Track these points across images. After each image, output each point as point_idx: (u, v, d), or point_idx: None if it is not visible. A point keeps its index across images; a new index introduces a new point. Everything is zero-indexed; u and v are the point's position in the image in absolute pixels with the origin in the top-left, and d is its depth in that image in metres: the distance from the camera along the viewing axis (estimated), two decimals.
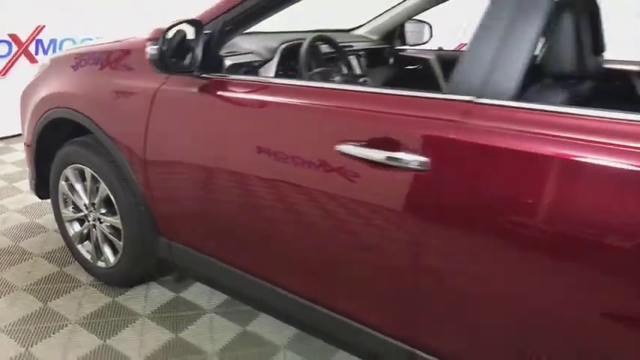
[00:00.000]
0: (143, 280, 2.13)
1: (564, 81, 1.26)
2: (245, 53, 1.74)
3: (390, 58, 2.66)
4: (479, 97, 1.08)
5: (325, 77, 1.79)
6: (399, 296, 1.26)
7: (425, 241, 1.15)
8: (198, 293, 2.12)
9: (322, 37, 1.94)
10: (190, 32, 1.48)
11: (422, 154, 1.10)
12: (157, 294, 2.11)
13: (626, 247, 0.92)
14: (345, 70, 2.12)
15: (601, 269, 0.95)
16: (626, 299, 0.94)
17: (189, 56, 1.48)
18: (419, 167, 1.11)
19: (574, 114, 1.01)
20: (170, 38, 1.41)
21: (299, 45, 1.79)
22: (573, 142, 0.96)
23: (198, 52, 1.46)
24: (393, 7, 2.63)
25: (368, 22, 2.75)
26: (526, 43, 1.06)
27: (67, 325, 1.89)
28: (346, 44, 2.22)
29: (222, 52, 1.64)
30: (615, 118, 0.96)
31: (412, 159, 1.11)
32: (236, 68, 1.65)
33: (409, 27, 2.69)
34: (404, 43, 2.74)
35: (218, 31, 1.49)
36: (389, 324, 1.31)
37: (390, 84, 2.55)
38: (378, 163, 1.16)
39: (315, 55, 1.89)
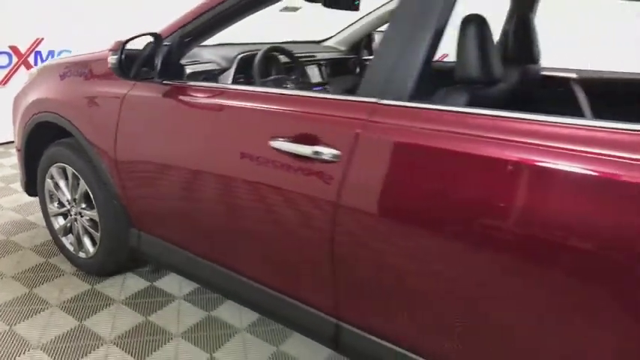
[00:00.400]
0: (120, 270, 2.33)
1: (471, 85, 1.43)
2: (206, 62, 1.94)
3: (357, 67, 2.86)
4: (382, 98, 1.27)
5: (279, 84, 1.98)
6: (325, 274, 1.43)
7: (341, 222, 1.33)
8: (170, 282, 2.31)
9: (276, 48, 2.14)
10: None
11: (335, 147, 1.29)
12: (132, 283, 2.30)
13: (521, 231, 1.07)
14: (301, 78, 2.31)
15: (493, 252, 1.11)
16: (551, 289, 1.05)
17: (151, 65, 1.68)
18: (333, 159, 1.29)
19: (459, 112, 1.19)
20: (130, 49, 1.62)
21: (254, 55, 1.99)
22: (456, 135, 1.15)
23: (158, 61, 1.67)
24: (359, 19, 2.83)
25: (337, 34, 2.95)
26: (420, 54, 1.24)
27: (48, 308, 2.08)
28: (307, 54, 2.42)
29: (184, 61, 1.85)
30: (493, 116, 1.14)
31: (328, 152, 1.30)
32: (196, 76, 1.85)
33: (376, 38, 2.89)
34: (371, 53, 2.94)
35: (177, 43, 1.70)
36: (317, 300, 1.49)
37: (352, 91, 2.74)
38: (301, 156, 1.35)
39: (274, 64, 2.08)
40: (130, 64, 1.70)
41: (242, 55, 2.03)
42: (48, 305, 2.10)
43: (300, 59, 2.32)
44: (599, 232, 0.96)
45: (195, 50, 1.95)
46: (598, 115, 1.97)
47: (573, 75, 2.25)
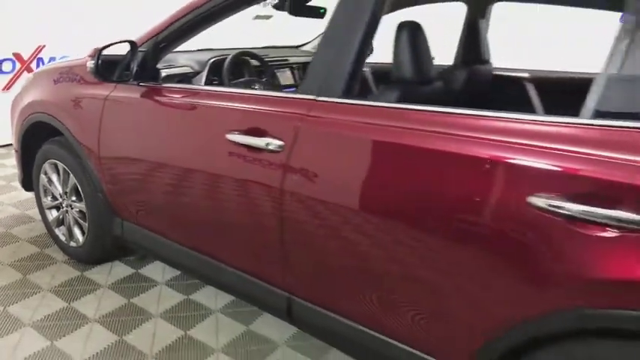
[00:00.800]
0: (107, 258, 2.52)
1: (404, 84, 1.61)
2: (181, 66, 2.14)
3: None
4: (319, 95, 1.45)
5: (247, 85, 2.17)
6: (277, 253, 1.61)
7: (287, 205, 1.51)
8: (154, 269, 2.51)
9: (246, 52, 2.34)
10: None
11: (280, 138, 1.47)
12: (119, 270, 2.49)
13: (431, 209, 1.24)
14: (271, 80, 2.50)
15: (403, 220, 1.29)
16: (461, 259, 1.21)
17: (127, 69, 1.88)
18: (278, 149, 1.47)
19: (385, 106, 1.37)
20: (107, 55, 1.81)
21: (225, 59, 2.19)
22: (380, 127, 1.33)
23: (134, 65, 1.86)
24: None
25: (314, 39, 3.14)
26: (350, 58, 1.42)
27: (40, 292, 2.28)
28: (280, 58, 2.60)
29: (161, 65, 2.04)
30: (413, 109, 1.31)
31: (274, 142, 1.48)
32: (172, 78, 2.04)
33: None
34: None
35: (152, 49, 1.89)
36: (271, 276, 1.67)
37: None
38: (252, 147, 1.53)
39: (246, 68, 2.28)
40: (113, 67, 1.90)
41: (213, 59, 2.23)
42: (40, 289, 2.30)
43: (272, 63, 2.51)
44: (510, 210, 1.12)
45: (172, 55, 2.15)
46: (550, 111, 2.13)
47: (525, 74, 2.42)
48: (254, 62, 2.42)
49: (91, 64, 1.81)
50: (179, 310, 2.19)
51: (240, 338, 2.01)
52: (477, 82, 2.18)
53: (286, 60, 2.63)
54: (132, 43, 1.86)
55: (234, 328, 2.08)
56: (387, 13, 2.74)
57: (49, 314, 2.12)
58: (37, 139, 2.49)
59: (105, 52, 1.82)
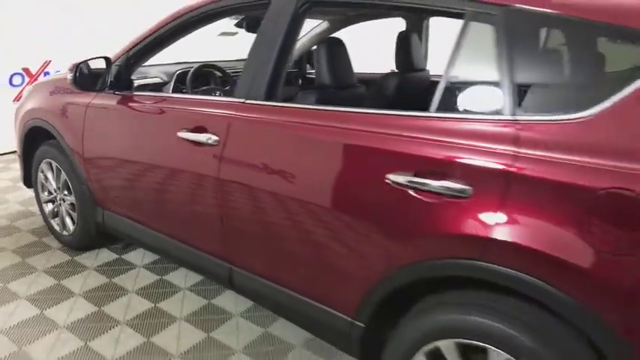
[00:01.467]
0: (94, 245, 2.88)
1: (323, 89, 1.94)
2: (153, 77, 2.50)
3: (298, 79, 3.39)
4: (247, 98, 1.79)
5: (208, 93, 2.52)
6: (219, 230, 1.94)
7: (223, 190, 1.84)
8: (135, 255, 2.86)
9: (207, 65, 2.69)
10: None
11: (216, 134, 1.81)
12: (105, 255, 2.85)
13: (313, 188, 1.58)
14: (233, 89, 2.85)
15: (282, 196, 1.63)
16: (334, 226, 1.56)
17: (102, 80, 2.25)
18: (215, 143, 1.81)
19: (294, 107, 1.71)
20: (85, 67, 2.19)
21: (189, 71, 2.54)
22: (291, 124, 1.66)
23: (109, 77, 2.23)
24: (298, 40, 3.37)
25: None
26: (270, 67, 1.76)
27: (35, 272, 2.64)
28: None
29: (135, 76, 2.41)
30: (314, 109, 1.65)
31: (213, 138, 1.82)
32: (143, 87, 2.40)
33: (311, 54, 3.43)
34: (312, 67, 3.46)
35: (124, 63, 2.26)
36: (216, 250, 2.00)
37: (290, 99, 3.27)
38: (196, 142, 1.88)
39: (212, 78, 2.63)
40: (96, 79, 2.27)
41: (180, 71, 2.58)
42: (35, 270, 2.67)
43: (236, 73, 2.86)
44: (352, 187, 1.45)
45: (147, 68, 2.52)
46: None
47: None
48: (219, 73, 2.78)
49: (70, 76, 2.19)
50: (154, 287, 2.54)
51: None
52: (410, 88, 2.49)
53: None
54: (107, 58, 2.22)
55: (197, 302, 2.41)
56: (339, 29, 3.11)
57: (41, 289, 2.48)
58: (35, 141, 2.88)
59: (83, 65, 2.19)
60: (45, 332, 2.15)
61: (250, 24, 2.40)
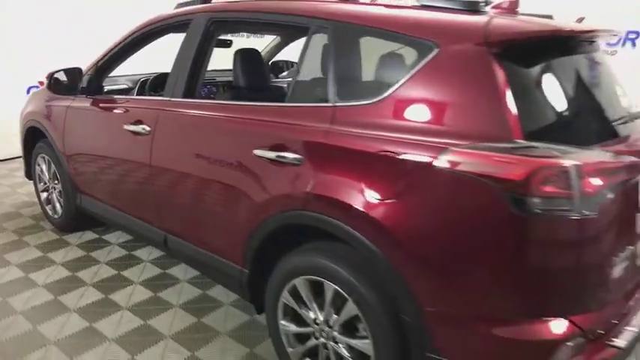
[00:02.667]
0: (79, 227, 3.40)
1: (239, 89, 2.39)
2: (121, 84, 3.03)
3: None
4: (172, 97, 2.26)
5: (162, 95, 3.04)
6: (155, 204, 2.42)
7: (154, 172, 2.32)
8: (113, 235, 3.37)
9: (164, 73, 3.19)
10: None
11: (149, 125, 2.29)
12: (88, 236, 3.38)
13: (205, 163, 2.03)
14: None
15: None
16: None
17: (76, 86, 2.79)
18: (145, 132, 2.30)
19: (197, 102, 2.18)
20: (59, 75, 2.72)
21: (148, 79, 3.05)
22: (197, 115, 2.12)
23: (80, 84, 2.75)
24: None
25: None
26: (187, 73, 2.22)
27: (27, 247, 3.19)
28: (209, 78, 3.43)
29: (106, 83, 2.93)
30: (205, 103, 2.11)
31: (147, 129, 2.30)
32: (112, 93, 2.91)
33: (274, 64, 3.90)
34: (276, 75, 3.93)
35: (94, 73, 2.78)
36: (155, 220, 2.47)
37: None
38: (135, 132, 2.36)
39: None
40: (70, 85, 2.80)
41: (142, 79, 3.10)
42: (28, 245, 3.21)
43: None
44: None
45: (118, 78, 3.06)
46: None
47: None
48: None
49: (46, 83, 2.73)
50: (121, 260, 3.03)
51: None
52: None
53: (213, 79, 3.46)
54: (78, 69, 2.76)
55: (152, 270, 2.89)
56: (289, 43, 3.57)
57: (30, 259, 3.02)
58: (33, 140, 3.44)
59: (57, 74, 2.73)
60: (25, 289, 2.67)
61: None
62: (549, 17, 1.84)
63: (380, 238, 1.51)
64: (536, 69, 1.49)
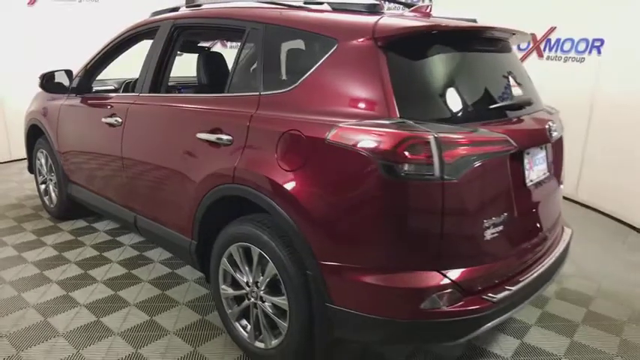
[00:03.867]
0: (72, 216, 3.74)
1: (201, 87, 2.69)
2: (110, 85, 3.39)
3: None
4: (140, 92, 2.58)
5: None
6: (127, 189, 2.72)
7: (125, 160, 2.63)
8: (102, 224, 3.70)
9: None
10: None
11: (121, 118, 2.62)
12: (79, 223, 3.71)
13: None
14: None
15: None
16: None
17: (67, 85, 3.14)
18: (117, 123, 2.62)
19: (158, 96, 2.48)
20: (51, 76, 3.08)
21: (132, 81, 3.40)
22: (160, 105, 2.43)
23: (70, 84, 3.11)
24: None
25: None
26: (153, 71, 2.54)
27: (24, 232, 3.54)
28: (184, 81, 3.76)
29: (95, 84, 3.28)
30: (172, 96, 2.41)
31: (119, 120, 2.63)
32: (101, 92, 3.26)
33: None
34: None
35: (83, 74, 3.13)
36: (126, 203, 2.78)
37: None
38: (110, 124, 2.69)
39: None
40: (60, 84, 3.16)
41: (126, 81, 3.45)
42: (24, 230, 3.57)
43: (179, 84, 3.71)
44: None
45: (107, 80, 3.41)
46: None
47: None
48: None
49: (39, 82, 3.09)
50: (105, 244, 3.35)
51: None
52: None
53: (187, 82, 3.81)
54: (69, 70, 3.11)
55: (131, 252, 3.19)
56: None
57: (24, 241, 3.37)
58: (35, 136, 3.82)
59: (48, 75, 3.09)
60: (17, 264, 3.00)
61: (185, 46, 3.23)
62: (473, 21, 2.10)
63: (287, 204, 1.77)
64: (421, 59, 1.74)
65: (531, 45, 4.98)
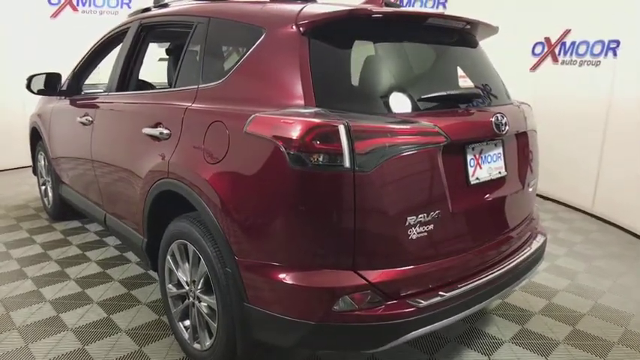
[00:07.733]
0: (67, 217, 3.84)
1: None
2: (100, 88, 3.47)
3: None
4: (109, 92, 2.62)
5: None
6: (98, 189, 2.76)
7: (95, 161, 2.66)
8: (93, 226, 3.77)
9: None
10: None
11: (92, 117, 2.66)
12: (73, 224, 3.81)
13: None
14: None
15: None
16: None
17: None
18: (88, 122, 2.66)
19: (120, 93, 2.50)
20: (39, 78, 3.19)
21: None
22: (126, 103, 2.45)
23: (60, 86, 3.21)
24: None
25: None
26: (120, 70, 2.57)
27: (20, 230, 3.66)
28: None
29: (85, 86, 3.38)
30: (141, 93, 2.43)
31: (90, 119, 2.67)
32: (87, 94, 3.35)
33: None
34: None
35: (72, 78, 3.23)
36: (98, 202, 2.81)
37: None
38: (83, 123, 2.74)
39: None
40: (49, 86, 3.27)
41: None
42: (21, 229, 3.69)
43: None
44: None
45: (97, 84, 3.50)
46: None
47: None
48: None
49: (26, 84, 3.21)
50: (91, 244, 3.41)
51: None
52: None
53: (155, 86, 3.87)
54: (57, 74, 3.22)
55: (112, 252, 3.22)
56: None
57: (16, 239, 3.48)
58: (36, 138, 3.97)
59: (34, 77, 3.20)
60: (3, 259, 3.10)
61: (169, 50, 3.27)
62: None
63: (207, 198, 1.71)
64: (347, 48, 1.64)
65: (546, 49, 4.74)
